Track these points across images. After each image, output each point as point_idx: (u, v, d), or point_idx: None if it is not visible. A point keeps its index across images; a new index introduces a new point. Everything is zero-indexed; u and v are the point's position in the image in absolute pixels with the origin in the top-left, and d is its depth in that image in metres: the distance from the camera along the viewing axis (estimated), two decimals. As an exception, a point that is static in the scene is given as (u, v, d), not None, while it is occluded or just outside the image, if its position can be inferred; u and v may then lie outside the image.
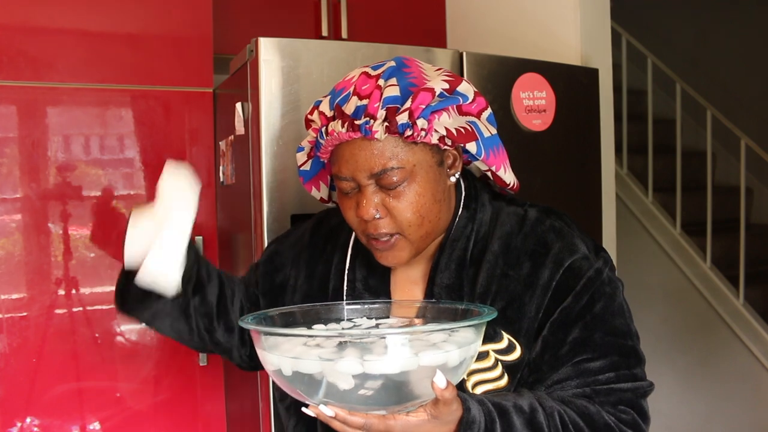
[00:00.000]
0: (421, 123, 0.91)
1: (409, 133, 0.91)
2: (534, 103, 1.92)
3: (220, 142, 1.96)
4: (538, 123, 1.94)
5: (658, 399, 3.31)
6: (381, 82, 0.93)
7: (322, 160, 1.04)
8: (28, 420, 1.81)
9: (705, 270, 3.30)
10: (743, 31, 3.98)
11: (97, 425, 1.87)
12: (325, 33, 2.42)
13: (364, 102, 0.92)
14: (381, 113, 0.91)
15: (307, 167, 1.08)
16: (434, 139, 0.93)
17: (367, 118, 0.91)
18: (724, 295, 3.20)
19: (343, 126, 0.93)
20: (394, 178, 0.92)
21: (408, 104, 0.91)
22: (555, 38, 2.27)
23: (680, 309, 3.37)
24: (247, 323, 0.84)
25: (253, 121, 1.63)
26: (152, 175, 1.97)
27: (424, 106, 0.91)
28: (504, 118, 1.86)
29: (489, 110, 1.01)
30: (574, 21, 2.22)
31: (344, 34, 2.42)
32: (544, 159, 1.97)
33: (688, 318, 3.33)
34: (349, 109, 0.93)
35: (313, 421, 1.00)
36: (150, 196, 1.95)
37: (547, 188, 1.95)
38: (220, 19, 2.09)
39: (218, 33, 2.05)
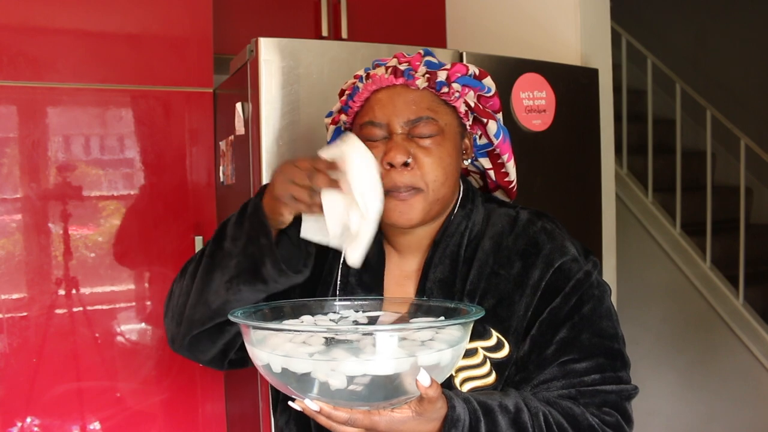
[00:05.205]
0: (455, 86, 0.99)
1: (445, 90, 0.98)
2: (534, 103, 1.92)
3: (220, 142, 1.96)
4: (537, 123, 1.94)
5: (658, 398, 3.33)
6: (421, 51, 1.03)
7: (349, 115, 1.04)
8: (29, 420, 1.81)
9: (705, 270, 3.29)
10: (743, 31, 3.97)
11: (97, 425, 1.87)
12: (325, 33, 2.42)
13: (405, 65, 1.00)
14: (422, 69, 0.99)
15: (328, 137, 1.12)
16: (462, 108, 1.00)
17: (410, 67, 0.99)
18: (723, 295, 3.20)
19: (386, 71, 0.99)
20: (428, 129, 0.96)
21: (447, 66, 1.00)
22: (555, 38, 2.27)
23: (680, 309, 3.37)
24: (237, 317, 0.84)
25: (253, 121, 1.63)
26: (152, 175, 1.97)
27: (459, 75, 1.00)
28: (504, 119, 1.86)
29: (500, 114, 1.08)
30: (574, 21, 2.22)
31: (344, 34, 2.42)
32: (544, 159, 1.97)
33: (687, 318, 3.33)
34: (390, 64, 1.01)
35: (305, 418, 1.01)
36: (150, 195, 1.97)
37: (547, 188, 1.95)
38: (220, 19, 2.09)
39: (218, 33, 2.05)
